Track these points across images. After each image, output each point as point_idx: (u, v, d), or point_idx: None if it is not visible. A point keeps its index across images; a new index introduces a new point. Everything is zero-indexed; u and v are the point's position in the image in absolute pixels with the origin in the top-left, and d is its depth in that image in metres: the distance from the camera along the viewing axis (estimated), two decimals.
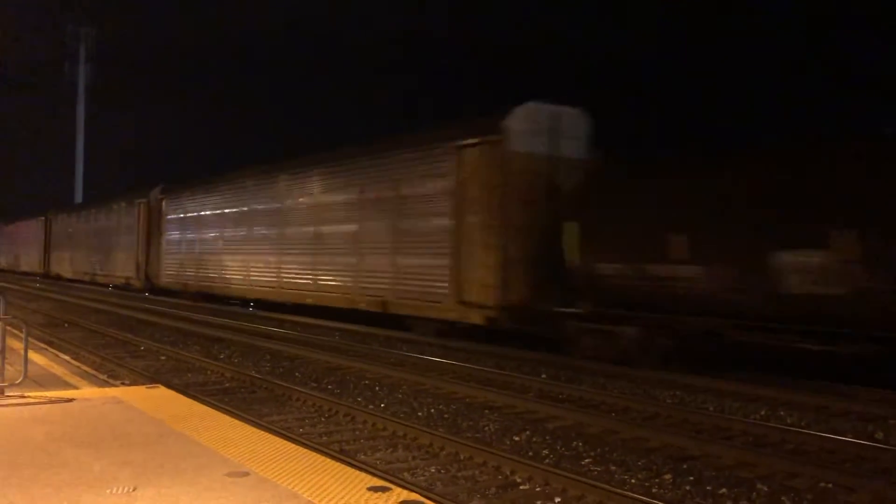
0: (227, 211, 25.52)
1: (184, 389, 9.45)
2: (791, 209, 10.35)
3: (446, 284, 15.61)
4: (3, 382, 7.28)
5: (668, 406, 9.47)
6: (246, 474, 4.78)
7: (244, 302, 24.66)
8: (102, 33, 60.51)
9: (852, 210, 9.77)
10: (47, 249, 46.31)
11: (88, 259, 38.77)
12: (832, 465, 6.95)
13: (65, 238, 43.29)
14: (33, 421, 6.19)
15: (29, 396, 7.17)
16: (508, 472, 6.59)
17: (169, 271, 29.44)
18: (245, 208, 24.26)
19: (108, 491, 4.41)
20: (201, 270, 26.76)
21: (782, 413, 9.26)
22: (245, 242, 24.07)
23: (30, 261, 49.85)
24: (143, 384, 9.23)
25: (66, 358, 11.16)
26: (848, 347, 9.97)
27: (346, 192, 19.30)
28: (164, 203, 30.17)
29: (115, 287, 34.34)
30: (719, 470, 6.81)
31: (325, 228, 19.93)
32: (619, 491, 5.92)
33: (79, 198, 58.35)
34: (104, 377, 9.82)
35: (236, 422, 6.51)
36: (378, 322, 17.82)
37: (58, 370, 9.45)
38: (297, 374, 12.04)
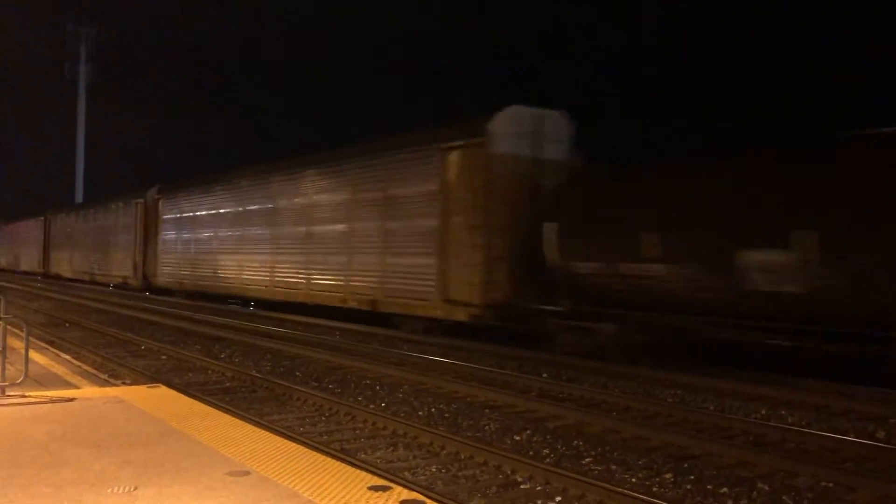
0: (221, 211, 25.88)
1: (185, 389, 9.46)
2: (755, 210, 10.75)
3: (433, 283, 15.95)
4: (4, 382, 7.29)
5: (669, 405, 9.47)
6: (247, 473, 4.79)
7: (243, 301, 24.68)
8: (103, 33, 60.46)
9: (811, 212, 10.17)
10: (46, 249, 46.42)
11: (87, 258, 38.93)
12: (833, 464, 6.94)
13: (64, 238, 43.43)
14: (34, 420, 6.20)
15: (30, 396, 7.18)
16: (509, 472, 6.59)
17: (165, 270, 29.77)
18: (239, 208, 24.62)
19: (109, 490, 4.41)
20: (197, 269, 27.12)
21: (783, 412, 9.26)
22: (239, 242, 24.43)
23: (29, 260, 49.97)
24: (143, 384, 9.24)
25: (67, 357, 11.17)
26: (810, 343, 10.47)
27: (336, 193, 19.72)
28: (160, 203, 30.51)
29: (113, 286, 34.49)
30: (720, 469, 6.81)
31: (317, 228, 20.30)
32: (619, 490, 5.92)
33: (79, 197, 58.37)
34: (105, 377, 9.83)
35: (237, 421, 6.52)
36: (369, 321, 17.99)
37: (59, 370, 9.45)
38: (297, 373, 12.04)
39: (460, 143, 15.61)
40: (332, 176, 19.99)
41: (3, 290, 10.58)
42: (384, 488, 4.54)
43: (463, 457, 7.07)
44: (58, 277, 43.13)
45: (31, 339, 8.56)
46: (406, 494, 4.47)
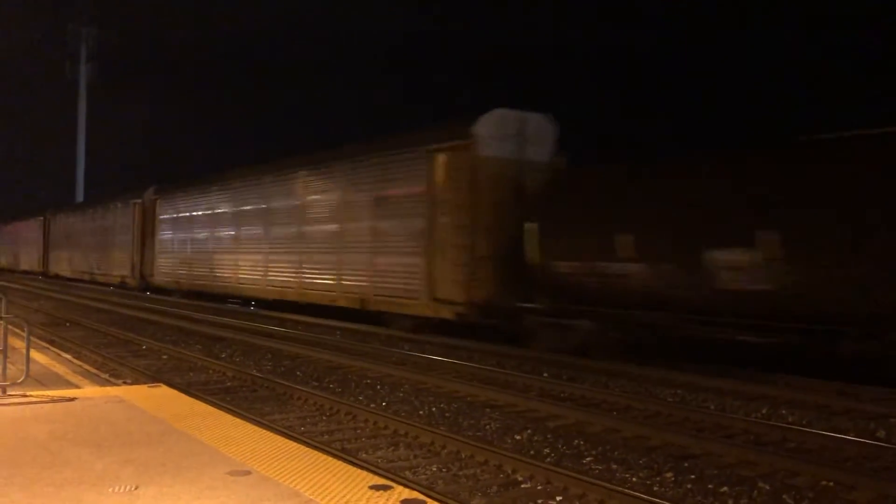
0: (216, 211, 26.23)
1: (185, 388, 9.46)
2: (722, 211, 11.19)
3: (420, 282, 16.31)
4: (5, 381, 7.29)
5: (670, 405, 9.47)
6: (248, 473, 4.79)
7: (243, 301, 24.73)
8: (104, 33, 60.47)
9: (774, 212, 10.57)
10: (46, 249, 46.53)
11: (86, 258, 39.11)
12: (833, 463, 6.94)
13: (63, 238, 43.58)
14: (35, 420, 6.20)
15: (31, 395, 7.19)
16: (510, 471, 6.59)
17: (162, 270, 30.11)
18: (234, 209, 24.99)
19: (109, 490, 4.41)
20: (193, 269, 27.50)
21: (783, 412, 9.26)
22: (234, 242, 24.80)
23: (29, 260, 50.09)
24: (144, 383, 9.25)
25: (68, 357, 11.17)
26: (777, 339, 10.74)
27: (327, 194, 20.07)
28: (157, 203, 30.84)
29: (111, 286, 34.70)
30: (721, 468, 6.81)
31: (309, 228, 20.65)
32: (620, 489, 5.92)
33: (80, 197, 58.36)
34: (106, 376, 9.83)
35: (238, 420, 6.52)
36: (367, 320, 18.16)
37: (60, 369, 9.45)
38: (298, 372, 12.04)
39: (446, 145, 15.95)
40: (324, 177, 20.36)
41: (4, 290, 10.58)
42: (385, 487, 4.54)
43: (464, 456, 7.07)
44: (57, 277, 43.22)
45: (32, 338, 8.56)
46: (407, 494, 4.48)
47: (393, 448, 7.47)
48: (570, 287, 13.36)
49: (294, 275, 21.12)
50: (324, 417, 8.85)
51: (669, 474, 6.66)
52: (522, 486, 6.30)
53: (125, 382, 9.55)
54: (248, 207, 24.02)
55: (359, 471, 4.99)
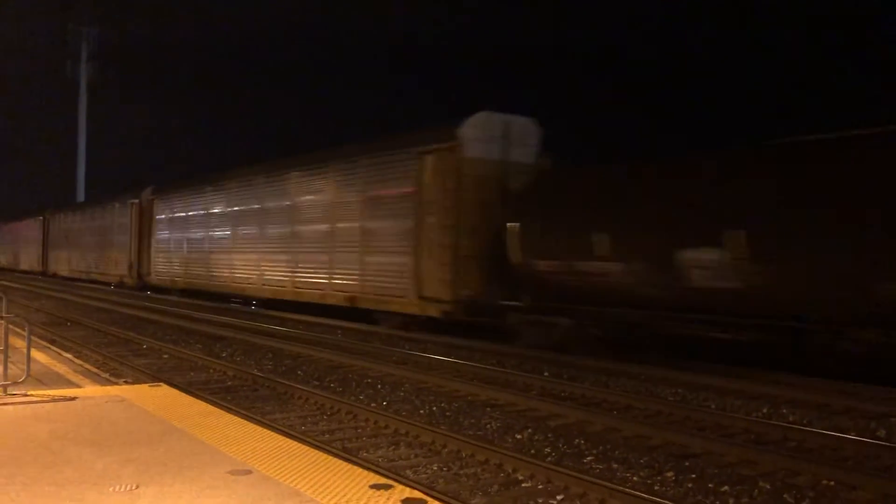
0: (212, 211, 26.64)
1: (186, 388, 9.46)
2: (692, 211, 11.62)
3: (408, 281, 16.69)
4: (6, 381, 7.30)
5: (670, 404, 9.47)
6: (248, 472, 4.79)
7: (243, 301, 24.77)
8: (105, 33, 60.45)
9: (741, 212, 10.98)
10: (45, 248, 46.67)
11: (84, 258, 39.39)
12: (834, 462, 6.94)
13: (62, 237, 43.80)
14: (36, 419, 6.21)
15: (32, 395, 7.19)
16: (510, 470, 6.59)
17: (159, 269, 30.53)
18: (229, 209, 25.41)
19: (110, 489, 4.42)
20: (189, 268, 27.92)
21: (784, 411, 9.26)
22: (229, 241, 25.21)
23: (29, 259, 50.28)
24: (145, 383, 9.25)
25: (69, 356, 11.18)
26: (745, 335, 11.22)
27: (319, 194, 20.47)
28: (154, 203, 31.22)
29: (108, 285, 34.98)
30: (721, 468, 6.81)
31: (301, 228, 21.09)
32: (620, 489, 5.92)
33: (80, 197, 58.40)
34: (107, 376, 9.84)
35: (238, 420, 6.52)
36: (364, 319, 18.40)
37: (60, 369, 9.45)
38: (299, 372, 12.05)
39: (433, 147, 16.30)
40: (316, 178, 20.70)
41: (5, 290, 10.57)
42: (386, 487, 4.54)
43: (464, 455, 7.07)
44: (55, 276, 43.32)
45: (32, 338, 8.57)
46: (408, 493, 4.48)
47: (394, 447, 7.47)
48: (550, 285, 13.80)
49: (287, 274, 21.54)
50: (325, 417, 8.85)
51: (670, 473, 6.66)
52: (523, 485, 6.30)
53: (126, 382, 9.55)
54: (243, 207, 24.46)
55: (360, 470, 4.99)
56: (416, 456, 7.17)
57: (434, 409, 9.33)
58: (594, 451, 7.39)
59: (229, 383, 11.00)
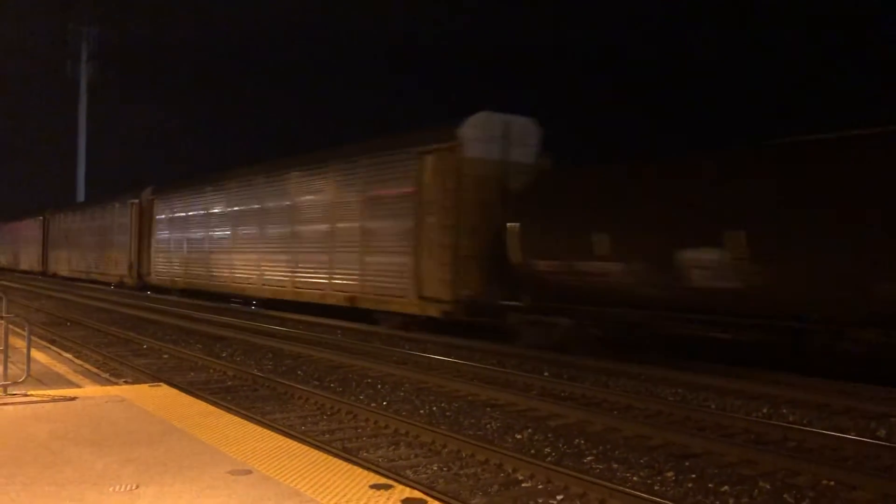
0: (212, 211, 26.74)
1: (186, 388, 9.46)
2: (692, 211, 11.64)
3: (408, 281, 16.73)
4: (6, 381, 7.30)
5: (671, 404, 9.47)
6: (248, 472, 4.79)
7: (245, 301, 24.79)
8: (105, 32, 60.45)
9: (741, 213, 11.01)
10: (45, 248, 46.77)
11: (85, 258, 39.54)
12: (834, 462, 6.94)
13: (62, 237, 43.95)
14: (36, 419, 6.21)
15: (32, 395, 7.19)
16: (510, 470, 6.59)
17: (159, 269, 30.66)
18: (229, 209, 25.50)
19: (110, 489, 4.42)
20: (189, 268, 28.04)
21: (784, 411, 9.26)
22: (229, 241, 25.31)
23: (29, 259, 50.41)
24: (145, 382, 9.25)
25: (69, 356, 11.18)
26: (745, 335, 11.26)
27: (319, 194, 20.52)
28: (154, 203, 31.35)
29: (108, 285, 35.15)
30: (721, 468, 6.81)
31: (301, 228, 21.14)
32: (621, 489, 5.92)
33: (80, 197, 58.40)
34: (107, 375, 9.84)
35: (239, 420, 6.52)
36: (361, 318, 18.52)
37: (60, 368, 9.46)
38: (299, 372, 12.05)
39: (433, 147, 16.32)
40: (316, 177, 20.73)
41: (5, 290, 10.56)
42: (386, 487, 4.54)
43: (464, 455, 7.07)
44: (55, 276, 43.40)
45: (32, 338, 8.57)
46: (408, 493, 4.48)
47: (394, 447, 7.47)
48: (550, 285, 13.84)
49: (287, 274, 21.60)
50: (325, 417, 8.85)
51: (670, 473, 6.66)
52: (523, 485, 6.30)
53: (126, 382, 9.55)
54: (243, 207, 24.55)
55: (360, 470, 4.99)
56: (416, 456, 7.17)
57: (434, 409, 9.33)
58: (594, 451, 7.39)
59: (229, 383, 10.99)
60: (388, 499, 4.34)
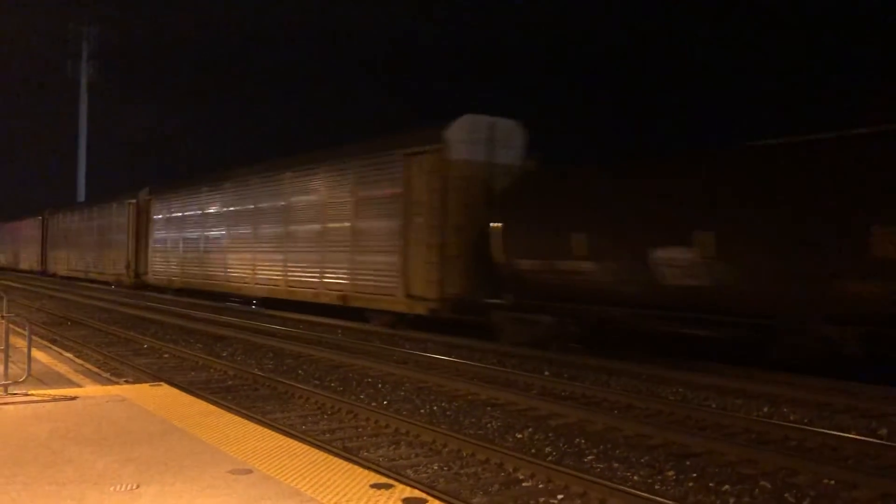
0: (207, 211, 27.15)
1: (187, 387, 9.46)
2: (664, 212, 12.06)
3: (397, 279, 17.11)
4: (6, 380, 7.30)
5: (671, 403, 9.47)
6: (249, 472, 4.79)
7: (241, 299, 24.84)
8: (105, 32, 60.45)
9: (710, 214, 11.44)
10: (44, 248, 46.94)
11: (83, 257, 39.86)
12: (835, 461, 6.94)
13: (60, 237, 44.28)
14: (37, 419, 6.21)
15: (32, 394, 7.20)
16: (511, 470, 6.59)
17: (156, 269, 31.06)
18: (224, 209, 25.92)
19: (111, 488, 4.42)
20: (185, 268, 28.43)
21: (785, 410, 9.26)
22: (224, 241, 25.67)
23: (28, 259, 50.70)
24: (146, 382, 9.26)
25: (70, 356, 11.19)
26: (717, 332, 11.58)
27: (311, 195, 20.93)
28: (151, 203, 31.75)
29: (106, 284, 35.42)
30: (722, 467, 6.81)
31: (294, 228, 21.53)
32: (621, 488, 5.92)
33: (81, 197, 58.43)
34: (107, 375, 9.85)
35: (239, 419, 6.53)
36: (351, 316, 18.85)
37: (61, 368, 9.46)
38: (299, 371, 12.05)
39: (420, 149, 16.69)
40: (308, 178, 21.13)
41: (6, 290, 10.57)
42: (386, 486, 4.54)
43: (465, 455, 7.07)
44: (54, 276, 43.54)
45: (33, 337, 8.57)
46: (408, 492, 4.48)
47: (394, 447, 7.48)
48: (531, 284, 14.24)
49: (281, 273, 21.92)
50: (325, 416, 8.85)
51: (671, 473, 6.66)
52: (523, 484, 6.30)
53: (127, 381, 9.56)
54: (237, 208, 24.99)
55: (360, 469, 4.99)
56: (417, 455, 7.17)
57: (435, 408, 9.33)
58: (595, 451, 7.39)
59: (230, 383, 11.00)
60: (388, 498, 4.34)
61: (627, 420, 8.39)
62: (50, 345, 12.51)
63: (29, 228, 50.57)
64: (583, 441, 7.75)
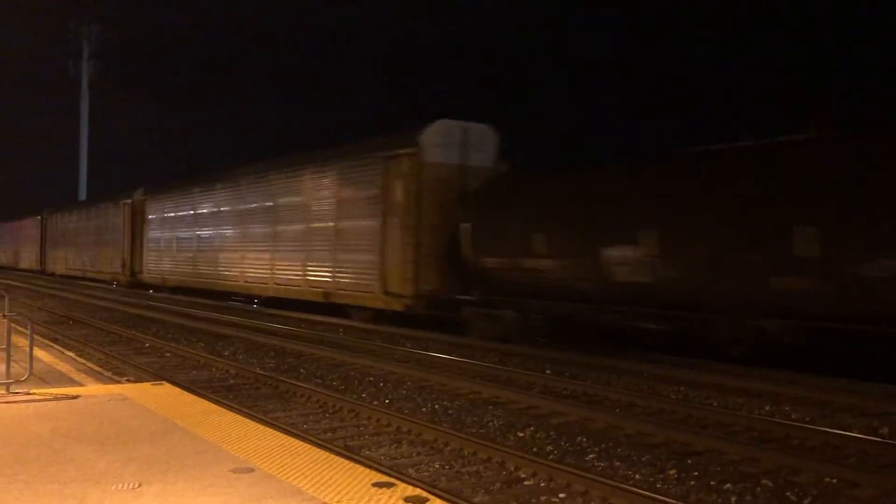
0: (199, 211, 27.80)
1: (188, 386, 9.47)
2: (612, 213, 12.91)
3: (375, 277, 17.83)
4: (8, 379, 7.31)
5: (673, 402, 9.47)
6: (250, 470, 4.80)
7: (247, 299, 24.90)
8: (106, 31, 60.46)
9: (652, 214, 12.26)
10: (43, 247, 47.21)
11: (80, 256, 40.47)
12: (836, 460, 6.94)
13: (59, 236, 44.72)
14: (39, 418, 6.22)
15: (34, 393, 7.20)
16: (513, 468, 6.59)
17: (150, 267, 31.73)
18: (214, 209, 26.66)
19: (113, 487, 4.42)
20: (178, 266, 29.14)
21: (787, 409, 9.25)
22: (214, 240, 26.46)
23: (28, 258, 51.04)
24: (147, 381, 9.26)
25: (71, 355, 11.19)
26: (663, 325, 12.34)
27: (296, 196, 21.71)
28: (145, 203, 32.39)
29: (103, 282, 35.85)
30: (724, 465, 6.80)
31: (280, 228, 22.31)
32: (623, 486, 5.92)
33: (83, 196, 58.48)
34: (109, 374, 9.85)
35: (241, 418, 6.53)
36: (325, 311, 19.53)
37: (63, 367, 9.47)
38: (301, 370, 12.06)
39: (396, 152, 17.43)
40: (294, 180, 21.89)
41: (7, 289, 10.57)
42: (388, 485, 4.55)
43: (466, 453, 7.07)
44: (53, 275, 43.73)
45: (35, 336, 8.57)
46: (410, 491, 4.48)
47: (396, 445, 7.48)
48: (497, 281, 15.05)
49: (268, 271, 22.63)
50: (327, 415, 8.85)
51: (672, 471, 6.66)
52: (525, 483, 6.30)
53: (128, 380, 9.56)
54: (228, 208, 25.69)
55: (362, 468, 4.99)
56: (419, 454, 7.17)
57: (436, 407, 9.34)
58: (596, 449, 7.39)
59: (231, 382, 11.00)
60: (390, 497, 4.34)
61: (629, 418, 8.39)
62: (52, 344, 12.52)
63: (28, 228, 50.86)
64: (584, 439, 7.75)
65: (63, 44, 60.80)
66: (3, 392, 7.15)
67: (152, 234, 31.57)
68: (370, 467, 5.23)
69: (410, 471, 6.50)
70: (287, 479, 4.64)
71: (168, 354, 13.65)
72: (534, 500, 5.88)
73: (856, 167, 10.31)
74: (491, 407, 9.28)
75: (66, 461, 4.94)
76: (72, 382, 8.23)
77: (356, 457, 6.50)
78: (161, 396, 7.29)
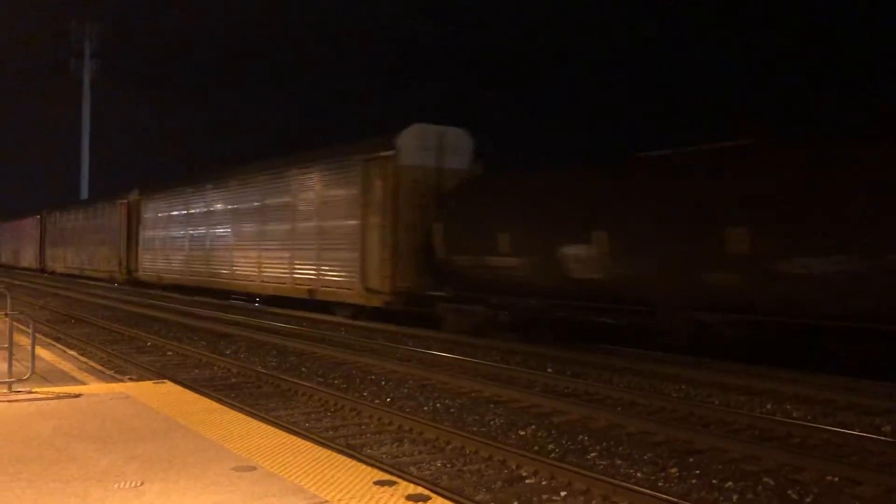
0: (191, 211, 28.51)
1: (190, 385, 9.48)
2: (568, 213, 13.65)
3: (356, 274, 18.52)
4: (10, 378, 7.32)
5: (674, 400, 9.47)
6: (252, 468, 4.80)
7: (249, 297, 24.95)
8: (107, 30, 60.46)
9: (603, 215, 13.05)
10: (42, 246, 47.52)
11: (79, 255, 41.01)
12: (838, 458, 6.93)
13: (58, 235, 45.09)
14: (41, 416, 6.22)
15: (36, 392, 7.21)
16: (514, 466, 6.59)
17: (145, 266, 32.34)
18: (206, 209, 27.40)
19: (115, 485, 4.43)
20: (172, 264, 29.85)
21: (788, 407, 9.25)
22: (206, 239, 27.10)
23: (28, 257, 51.44)
24: (149, 379, 9.27)
25: (73, 354, 11.20)
26: (614, 319, 13.17)
27: (282, 196, 22.46)
28: (141, 203, 32.93)
29: (101, 280, 36.18)
30: (725, 464, 6.80)
31: (268, 227, 23.05)
32: (624, 485, 5.92)
33: (84, 195, 58.52)
34: (111, 373, 9.86)
35: (243, 417, 6.53)
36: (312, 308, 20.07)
37: (65, 366, 9.48)
38: (303, 369, 12.06)
39: (374, 155, 18.17)
40: (279, 181, 22.64)
41: (8, 287, 10.58)
42: (390, 483, 4.55)
43: (468, 452, 7.08)
44: (53, 273, 43.95)
45: (37, 335, 8.57)
46: (412, 489, 4.48)
47: (398, 444, 7.48)
48: (467, 278, 15.81)
49: (256, 269, 23.31)
50: (328, 413, 8.86)
51: (674, 469, 6.66)
52: (527, 481, 6.30)
53: (130, 379, 9.57)
54: (218, 208, 26.35)
55: (363, 466, 4.99)
56: (420, 452, 7.18)
57: (438, 405, 9.34)
58: (598, 448, 7.39)
59: (233, 380, 11.02)
60: (392, 495, 4.34)
61: (630, 417, 8.39)
62: (53, 342, 12.53)
63: (28, 227, 51.20)
64: (586, 438, 7.75)
65: (64, 43, 60.63)
66: (5, 391, 7.16)
67: (147, 233, 32.14)
68: (372, 466, 5.24)
69: (412, 469, 6.51)
70: (289, 477, 4.65)
71: (170, 353, 13.67)
72: (535, 499, 5.88)
73: (782, 173, 11.06)
74: (492, 405, 9.28)
75: (68, 460, 4.95)
76: (74, 381, 8.25)
77: (358, 455, 6.50)
78: (163, 395, 7.30)
